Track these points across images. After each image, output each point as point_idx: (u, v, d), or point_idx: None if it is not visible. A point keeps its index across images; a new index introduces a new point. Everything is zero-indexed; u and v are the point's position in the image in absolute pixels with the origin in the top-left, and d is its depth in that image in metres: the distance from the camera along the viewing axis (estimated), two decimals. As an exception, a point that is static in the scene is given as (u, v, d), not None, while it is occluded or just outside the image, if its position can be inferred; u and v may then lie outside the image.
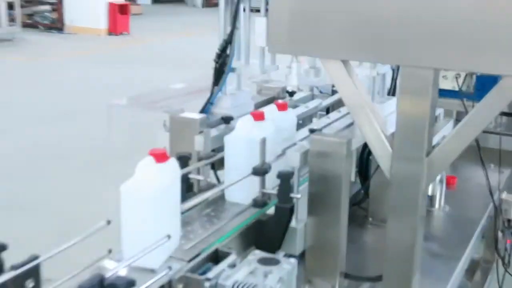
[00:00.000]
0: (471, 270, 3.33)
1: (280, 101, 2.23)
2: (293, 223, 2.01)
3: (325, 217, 2.03)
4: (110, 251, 1.64)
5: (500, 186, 2.88)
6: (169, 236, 1.61)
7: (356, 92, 1.90)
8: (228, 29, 2.42)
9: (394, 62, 2.12)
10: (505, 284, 3.11)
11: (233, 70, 2.45)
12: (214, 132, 2.32)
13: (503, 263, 3.01)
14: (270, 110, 2.12)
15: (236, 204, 2.04)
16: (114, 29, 13.49)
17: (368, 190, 2.60)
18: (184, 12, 18.50)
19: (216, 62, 2.42)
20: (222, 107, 2.46)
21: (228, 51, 2.40)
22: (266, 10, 2.28)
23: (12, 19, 12.25)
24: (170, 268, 1.60)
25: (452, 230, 2.68)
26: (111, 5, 13.34)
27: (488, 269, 3.35)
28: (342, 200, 1.99)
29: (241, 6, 2.40)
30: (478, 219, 2.70)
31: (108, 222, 1.63)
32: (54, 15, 14.15)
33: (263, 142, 1.87)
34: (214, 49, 2.63)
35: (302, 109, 2.73)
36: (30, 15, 13.99)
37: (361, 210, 2.61)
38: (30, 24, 13.85)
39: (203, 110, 2.40)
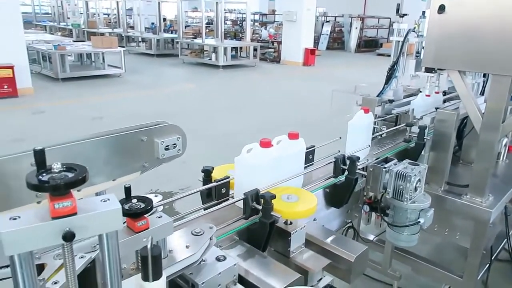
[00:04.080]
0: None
1: (293, 131, 1.62)
2: (422, 152, 2.22)
3: (439, 153, 2.22)
4: (339, 151, 2.00)
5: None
6: (368, 145, 2.03)
7: (466, 89, 2.06)
8: (395, 58, 2.54)
9: (487, 71, 2.14)
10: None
11: (396, 77, 2.56)
12: (384, 106, 2.52)
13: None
14: (282, 139, 1.60)
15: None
16: (307, 62, 14.68)
17: (461, 145, 2.67)
18: (344, 55, 19.21)
19: (388, 72, 2.53)
20: (387, 95, 2.54)
21: (394, 67, 2.51)
22: (416, 56, 2.56)
23: (254, 56, 14.31)
24: (367, 160, 2.00)
25: (508, 172, 2.63)
26: (306, 49, 14.65)
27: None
28: (450, 145, 2.19)
29: (404, 50, 2.51)
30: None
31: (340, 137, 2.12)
32: (275, 54, 16.16)
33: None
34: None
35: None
36: (263, 54, 16.00)
37: (455, 156, 2.60)
38: (263, 58, 15.70)
39: (378, 95, 2.51)
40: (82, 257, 0.77)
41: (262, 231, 1.36)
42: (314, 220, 1.72)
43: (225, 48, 13.29)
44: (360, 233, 2.66)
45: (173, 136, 1.15)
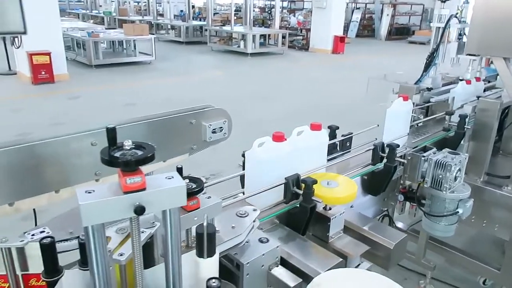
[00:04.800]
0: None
1: (315, 122, 1.54)
2: (461, 142, 2.17)
3: (479, 143, 2.19)
4: (376, 138, 2.01)
5: None
6: (408, 134, 2.02)
7: (511, 77, 2.02)
8: (435, 45, 2.49)
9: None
10: None
11: (435, 64, 2.51)
12: (422, 94, 2.41)
13: None
14: (304, 130, 1.53)
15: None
16: (336, 50, 14.43)
17: (501, 136, 2.58)
18: (374, 43, 18.78)
19: (427, 60, 2.49)
20: (426, 83, 2.48)
21: (434, 55, 2.46)
22: (458, 39, 2.51)
23: (283, 43, 14.14)
24: (406, 148, 1.98)
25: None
26: (335, 36, 14.40)
27: None
28: (491, 136, 2.15)
29: (445, 34, 2.46)
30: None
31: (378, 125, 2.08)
32: (304, 42, 16.03)
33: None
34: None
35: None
36: (291, 41, 15.80)
37: (495, 147, 2.47)
38: (291, 46, 15.51)
39: (416, 83, 2.47)
40: (142, 232, 0.81)
41: (303, 215, 1.37)
42: (351, 207, 1.72)
43: (254, 36, 13.23)
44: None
45: (220, 120, 1.18)
